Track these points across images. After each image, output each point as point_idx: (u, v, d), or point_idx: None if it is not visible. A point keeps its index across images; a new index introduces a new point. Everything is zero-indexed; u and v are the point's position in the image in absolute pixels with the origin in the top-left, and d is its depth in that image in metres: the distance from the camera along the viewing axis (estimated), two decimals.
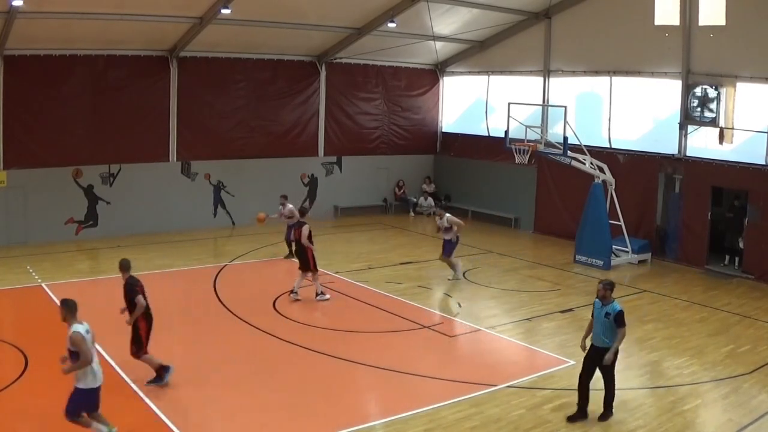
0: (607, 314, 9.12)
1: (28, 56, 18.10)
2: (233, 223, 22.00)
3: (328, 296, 14.37)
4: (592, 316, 9.39)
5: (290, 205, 17.68)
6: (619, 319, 9.09)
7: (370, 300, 14.58)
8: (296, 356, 11.40)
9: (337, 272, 16.59)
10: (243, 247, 19.03)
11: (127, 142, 19.85)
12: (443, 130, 26.20)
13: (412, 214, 24.96)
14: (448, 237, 16.17)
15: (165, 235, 19.88)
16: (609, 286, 9.24)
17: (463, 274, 16.55)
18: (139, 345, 9.81)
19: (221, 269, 16.75)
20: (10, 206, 18.21)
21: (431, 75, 25.79)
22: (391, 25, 19.83)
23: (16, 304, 13.98)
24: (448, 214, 16.36)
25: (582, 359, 9.47)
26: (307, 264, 14.33)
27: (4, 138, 18.12)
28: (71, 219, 19.37)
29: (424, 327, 13.06)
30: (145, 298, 9.71)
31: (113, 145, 19.61)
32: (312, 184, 23.58)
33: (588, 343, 9.38)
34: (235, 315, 13.33)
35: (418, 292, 15.26)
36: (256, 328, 12.64)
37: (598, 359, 9.17)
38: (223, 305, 13.92)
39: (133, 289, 9.68)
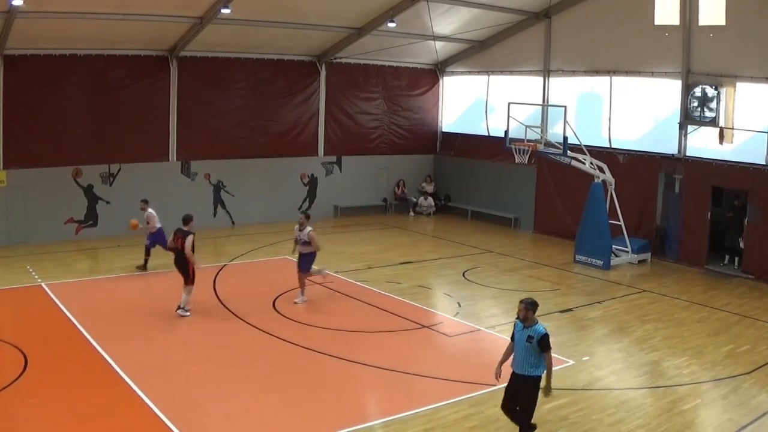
0: (529, 338, 8.04)
1: (28, 56, 18.09)
2: (233, 222, 22.01)
3: (189, 313, 13.15)
4: (512, 338, 8.36)
5: (150, 210, 16.35)
6: (543, 344, 8.01)
7: (370, 300, 14.58)
8: (296, 356, 11.40)
9: (337, 272, 16.58)
10: (243, 247, 19.03)
11: (127, 141, 19.84)
12: (443, 130, 26.19)
13: (411, 213, 24.96)
14: (306, 251, 14.04)
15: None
16: (531, 306, 8.13)
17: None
18: None
19: (221, 269, 16.76)
20: (10, 206, 18.20)
21: (431, 75, 25.78)
22: (391, 25, 19.83)
23: (16, 304, 13.97)
24: (309, 228, 13.90)
25: (504, 387, 8.46)
26: (188, 276, 13.30)
27: (4, 138, 18.11)
28: (71, 219, 19.37)
29: (424, 327, 13.07)
30: None
31: (113, 145, 19.61)
32: (312, 183, 23.57)
33: (504, 369, 8.42)
34: (235, 315, 13.34)
35: (417, 292, 15.26)
36: (256, 327, 12.64)
37: (521, 389, 8.21)
38: (223, 305, 13.91)
39: None
